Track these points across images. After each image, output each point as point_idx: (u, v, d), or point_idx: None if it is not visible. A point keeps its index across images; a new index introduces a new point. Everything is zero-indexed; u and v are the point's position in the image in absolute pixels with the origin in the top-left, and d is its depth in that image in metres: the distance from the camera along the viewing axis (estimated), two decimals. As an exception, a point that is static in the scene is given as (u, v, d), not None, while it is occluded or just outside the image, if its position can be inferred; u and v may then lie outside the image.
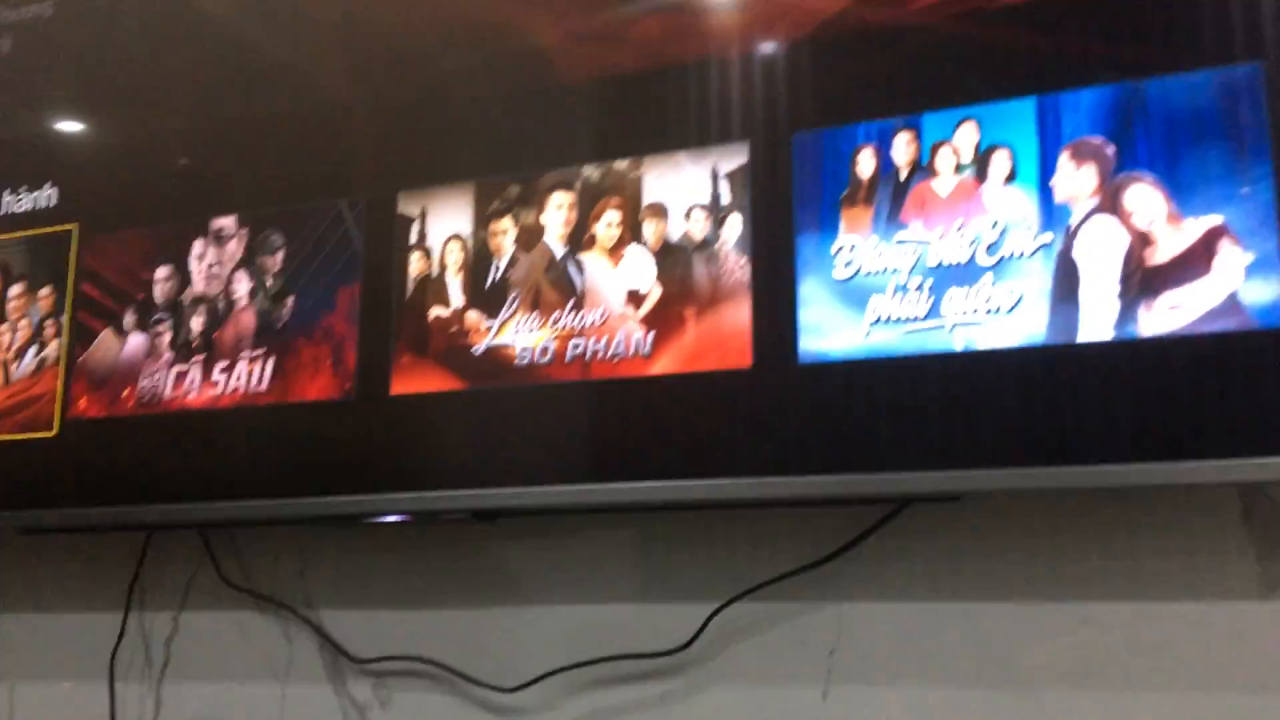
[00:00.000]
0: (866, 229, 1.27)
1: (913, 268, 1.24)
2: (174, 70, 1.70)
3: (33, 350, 1.69)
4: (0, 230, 1.76)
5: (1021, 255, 1.20)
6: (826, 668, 1.36)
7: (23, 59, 1.82)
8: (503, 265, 1.45)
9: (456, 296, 1.46)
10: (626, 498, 1.35)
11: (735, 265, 1.32)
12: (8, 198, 1.77)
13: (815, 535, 1.37)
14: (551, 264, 1.43)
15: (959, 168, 1.24)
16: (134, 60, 1.74)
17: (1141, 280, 1.15)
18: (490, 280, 1.45)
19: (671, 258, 1.36)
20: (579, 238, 1.42)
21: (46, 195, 1.74)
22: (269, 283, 1.57)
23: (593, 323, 1.38)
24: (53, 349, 1.67)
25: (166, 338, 1.61)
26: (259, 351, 1.55)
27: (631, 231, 1.39)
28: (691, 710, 1.42)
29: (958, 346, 1.21)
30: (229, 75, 1.66)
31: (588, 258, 1.41)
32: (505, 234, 1.46)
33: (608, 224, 1.40)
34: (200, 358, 1.58)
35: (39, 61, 1.81)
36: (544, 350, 1.40)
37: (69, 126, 1.78)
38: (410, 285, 1.49)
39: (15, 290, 1.72)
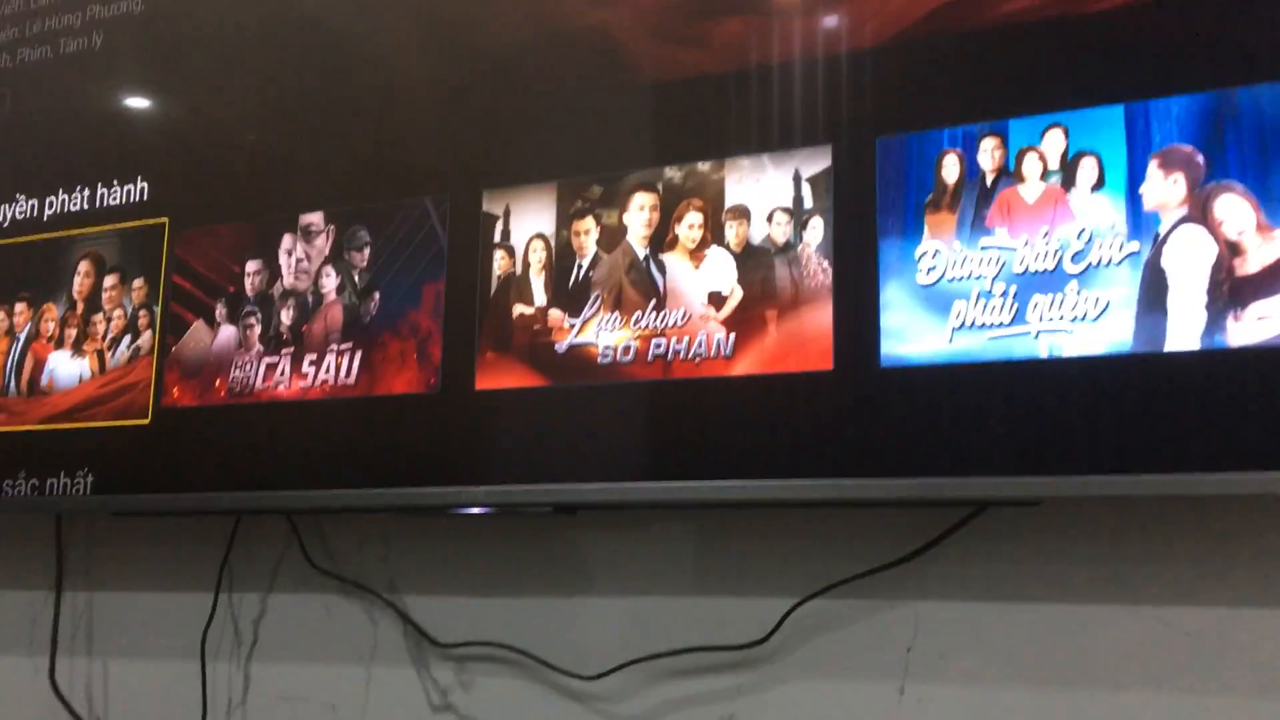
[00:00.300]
0: (950, 234, 1.28)
1: (997, 274, 1.25)
2: (262, 66, 1.74)
3: (127, 339, 1.74)
4: (94, 222, 1.81)
5: (1109, 263, 1.20)
6: (904, 665, 1.38)
7: (114, 54, 1.87)
8: (585, 265, 1.48)
9: (539, 295, 1.49)
10: (706, 495, 1.38)
11: (817, 268, 1.34)
12: (101, 190, 1.82)
13: (894, 535, 1.39)
14: (634, 264, 1.45)
15: (1046, 174, 1.25)
16: (222, 56, 1.78)
17: (1231, 290, 1.15)
18: (573, 279, 1.48)
19: (753, 260, 1.38)
20: (661, 238, 1.44)
21: (139, 189, 1.79)
22: (356, 278, 1.61)
23: (674, 323, 1.41)
24: (146, 339, 1.73)
25: (256, 330, 1.66)
26: (346, 345, 1.59)
27: (713, 233, 1.41)
28: (768, 703, 1.45)
29: (1043, 353, 1.22)
30: (317, 72, 1.70)
31: (670, 258, 1.43)
32: (588, 234, 1.48)
33: (690, 225, 1.42)
34: (289, 350, 1.63)
35: (130, 56, 1.86)
36: (626, 349, 1.43)
37: (159, 121, 1.82)
38: (494, 283, 1.52)
39: (110, 281, 1.78)
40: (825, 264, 1.34)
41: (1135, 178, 1.21)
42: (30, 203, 1.88)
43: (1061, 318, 1.21)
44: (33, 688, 1.88)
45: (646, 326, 1.42)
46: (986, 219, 1.27)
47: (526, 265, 1.51)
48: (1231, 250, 1.16)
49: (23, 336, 1.82)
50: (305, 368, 1.61)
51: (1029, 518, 1.33)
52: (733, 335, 1.37)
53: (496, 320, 1.51)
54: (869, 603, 1.40)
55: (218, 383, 1.67)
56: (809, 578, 1.42)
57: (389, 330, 1.58)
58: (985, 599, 1.36)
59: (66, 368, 1.78)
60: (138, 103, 1.85)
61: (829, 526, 1.44)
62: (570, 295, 1.48)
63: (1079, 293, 1.21)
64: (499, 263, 1.52)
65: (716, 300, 1.39)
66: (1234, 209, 1.17)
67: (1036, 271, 1.23)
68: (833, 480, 1.30)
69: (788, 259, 1.36)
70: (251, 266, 1.68)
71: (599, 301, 1.46)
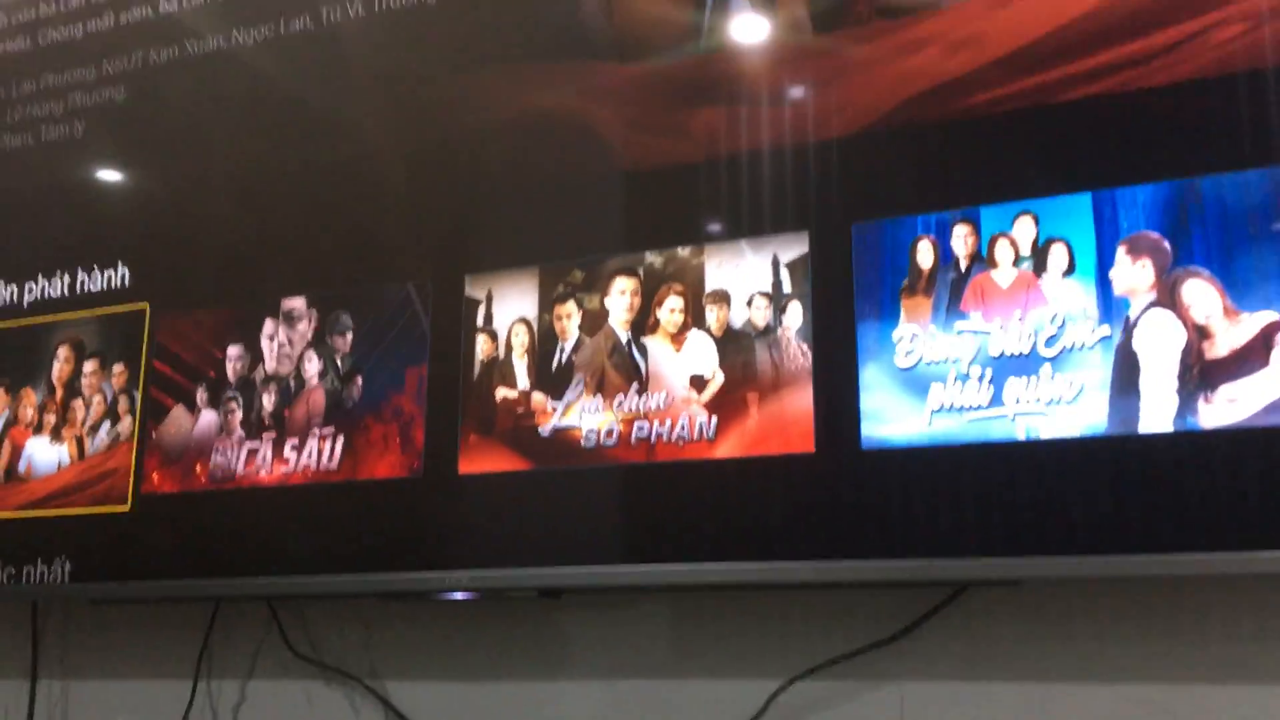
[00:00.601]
0: (926, 318, 1.31)
1: (974, 357, 1.28)
2: (243, 152, 1.76)
3: (106, 425, 1.74)
4: (74, 308, 1.82)
5: (1082, 347, 1.23)
6: (890, 746, 1.39)
7: (95, 140, 1.89)
8: (567, 348, 1.49)
9: (522, 378, 1.51)
10: (690, 578, 1.38)
11: (797, 352, 1.36)
12: (81, 276, 1.83)
13: (876, 615, 1.39)
14: (615, 348, 1.47)
15: (1018, 260, 1.28)
16: (203, 141, 1.80)
17: (1201, 373, 1.18)
18: (555, 363, 1.49)
19: (734, 344, 1.40)
20: (643, 322, 1.46)
21: (120, 274, 1.80)
22: (339, 362, 1.62)
23: (657, 406, 1.42)
24: (126, 425, 1.72)
25: (238, 415, 1.66)
26: (329, 430, 1.60)
27: (694, 317, 1.43)
28: (755, 786, 1.44)
29: (1020, 435, 1.24)
30: (298, 157, 1.72)
31: (651, 342, 1.45)
32: (570, 317, 1.50)
33: (671, 309, 1.45)
34: (271, 435, 1.63)
35: (111, 143, 1.88)
36: (609, 432, 1.44)
37: (140, 207, 1.84)
38: (477, 366, 1.53)
39: (89, 366, 1.77)
40: (805, 347, 1.36)
41: (1105, 263, 1.24)
42: (9, 288, 1.88)
43: (1037, 400, 1.24)
44: (5, 781, 1.85)
45: (629, 410, 1.44)
46: (961, 303, 1.30)
47: (509, 349, 1.52)
48: (1200, 334, 1.19)
49: (0, 423, 1.81)
50: (287, 452, 1.61)
51: (1009, 597, 1.34)
52: (715, 418, 1.39)
53: (479, 404, 1.52)
54: (853, 684, 1.41)
55: (198, 468, 1.66)
56: (793, 659, 1.43)
57: (372, 414, 1.58)
58: (969, 678, 1.36)
59: (45, 454, 1.77)
60: (118, 188, 1.86)
61: (813, 608, 1.44)
62: (553, 378, 1.49)
63: (1053, 375, 1.24)
64: (482, 347, 1.54)
65: (698, 383, 1.41)
66: (1201, 294, 1.20)
67: (1012, 355, 1.26)
68: (816, 562, 1.31)
69: (768, 342, 1.38)
70: (233, 351, 1.69)
71: (582, 385, 1.47)
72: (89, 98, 1.89)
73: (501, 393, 1.51)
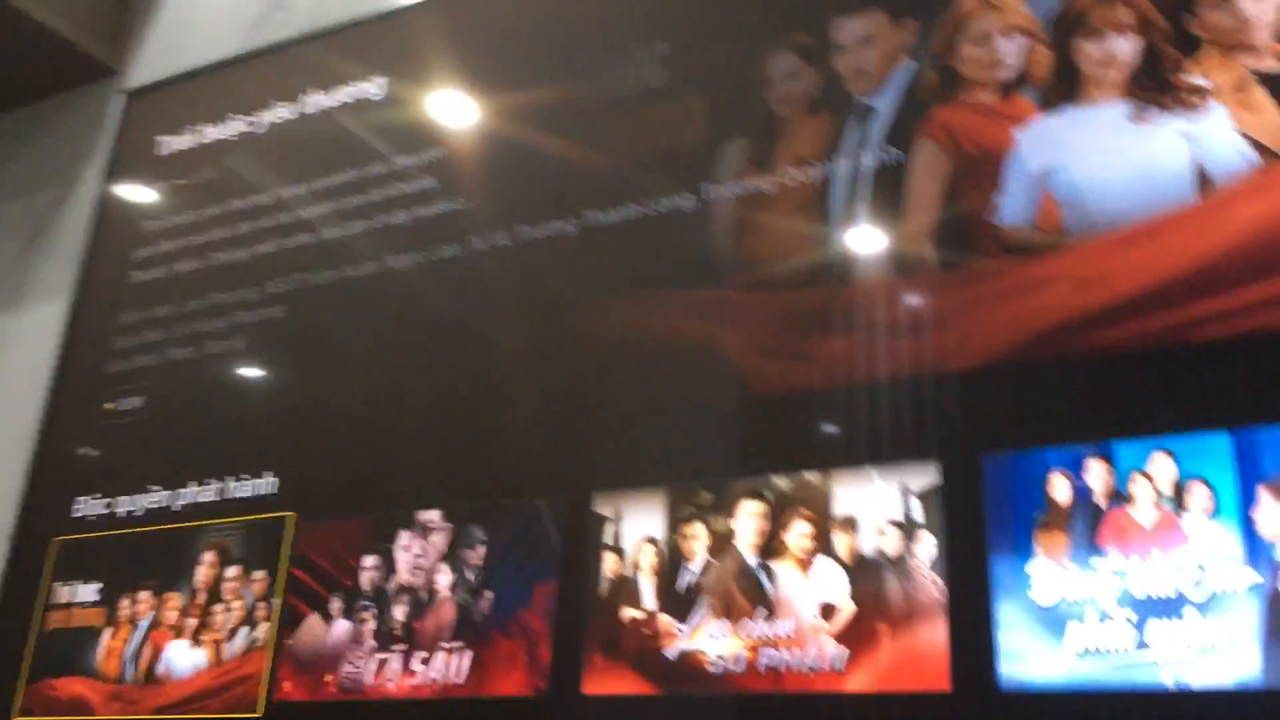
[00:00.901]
0: (1064, 554, 1.28)
1: (1116, 598, 1.24)
2: (388, 369, 1.87)
3: (244, 631, 1.79)
4: (223, 514, 1.90)
5: (1230, 593, 1.19)
6: None
7: (254, 355, 2.02)
8: (695, 570, 1.50)
9: (649, 598, 1.51)
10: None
11: (930, 584, 1.35)
12: (230, 482, 1.92)
13: None
14: (743, 571, 1.47)
15: (1159, 498, 1.26)
16: (352, 358, 1.91)
17: (1361, 624, 1.13)
18: (682, 584, 1.50)
19: (864, 572, 1.39)
20: (770, 547, 1.46)
21: (267, 483, 1.88)
22: (470, 576, 1.65)
23: (785, 633, 1.41)
24: (263, 631, 1.78)
25: (370, 625, 1.69)
26: (457, 644, 1.62)
27: (822, 543, 1.43)
28: None
29: (1168, 684, 1.19)
30: (439, 374, 1.81)
31: (779, 567, 1.45)
32: (697, 539, 1.51)
33: (799, 534, 1.45)
34: (402, 646, 1.66)
35: (268, 358, 2.01)
36: (736, 659, 1.43)
37: (290, 418, 1.94)
38: (604, 585, 1.55)
39: (232, 572, 1.84)
40: (938, 580, 1.34)
41: (1248, 505, 1.21)
42: (164, 492, 1.98)
43: (1185, 647, 1.20)
44: None
45: (757, 635, 1.43)
46: (1099, 539, 1.27)
47: (636, 568, 1.54)
48: (1357, 581, 1.15)
49: (144, 625, 1.88)
50: (416, 665, 1.64)
51: None
52: (845, 649, 1.37)
53: (605, 623, 1.53)
54: None
55: (329, 678, 1.69)
56: None
57: (500, 629, 1.60)
58: None
59: (184, 657, 1.83)
60: (272, 401, 1.97)
61: None
62: (679, 600, 1.49)
63: (1201, 620, 1.20)
64: (609, 565, 1.56)
65: (827, 611, 1.40)
66: (1355, 539, 1.16)
67: (1156, 597, 1.23)
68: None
69: (899, 573, 1.37)
70: (368, 562, 1.74)
71: (708, 608, 1.47)
72: (251, 315, 2.04)
73: (628, 613, 1.52)
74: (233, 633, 1.80)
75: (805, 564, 1.44)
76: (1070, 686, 1.24)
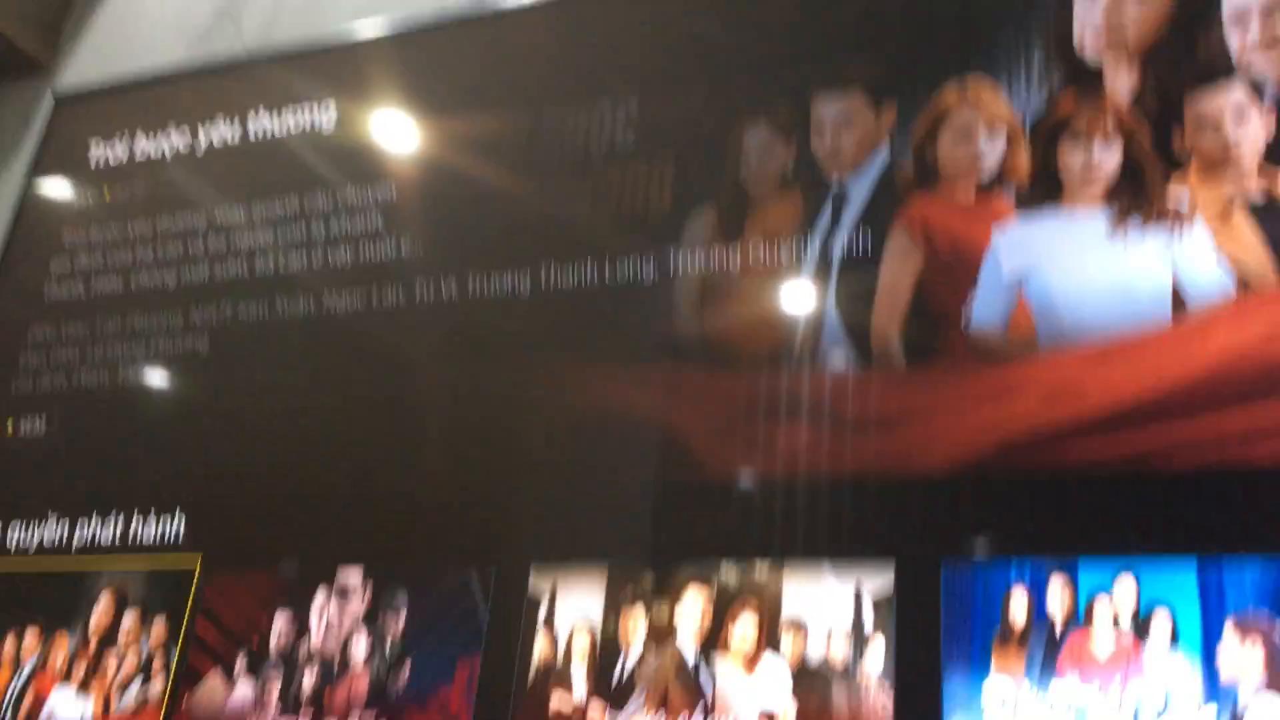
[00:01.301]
0: (1019, 673, 1.24)
1: (1071, 725, 1.20)
2: (316, 419, 1.76)
3: (137, 683, 1.67)
4: (125, 552, 1.78)
5: (1188, 730, 1.16)
6: None
7: (172, 389, 1.90)
8: (631, 660, 1.43)
9: (580, 687, 1.44)
10: None
11: (878, 698, 1.29)
12: (136, 522, 1.79)
13: None
14: (682, 667, 1.40)
15: (1117, 622, 1.22)
16: (278, 404, 1.80)
17: (1320, 774, 1.10)
18: (617, 675, 1.43)
19: (809, 679, 1.33)
20: (713, 640, 1.40)
21: (175, 526, 1.76)
22: (388, 646, 1.55)
23: (723, 735, 1.35)
24: (157, 686, 1.65)
25: (275, 690, 1.59)
26: (370, 717, 1.52)
27: (769, 640, 1.37)
28: None
29: (1120, 820, 1.15)
30: (372, 430, 1.72)
31: (721, 663, 1.38)
32: (636, 625, 1.44)
33: (745, 628, 1.39)
34: (307, 716, 1.55)
35: (187, 393, 1.89)
36: (669, 758, 1.36)
37: (205, 459, 1.82)
38: (534, 667, 1.47)
39: (129, 619, 1.72)
40: (886, 692, 1.29)
41: (1211, 638, 1.18)
42: (60, 525, 1.85)
43: (1140, 782, 1.16)
44: None
45: (692, 735, 1.36)
46: (1057, 664, 1.23)
47: (569, 652, 1.46)
48: (1317, 728, 1.12)
49: (28, 668, 1.74)
50: (323, 738, 1.53)
51: None
52: (785, 757, 1.31)
53: (533, 710, 1.44)
54: None
55: (226, 743, 1.58)
56: None
57: (417, 706, 1.51)
58: None
59: (68, 708, 1.69)
60: (187, 438, 1.85)
61: None
62: (613, 691, 1.42)
63: (1158, 757, 1.16)
64: (540, 646, 1.47)
65: (769, 718, 1.33)
66: (1317, 684, 1.14)
67: (1112, 728, 1.19)
68: None
69: (846, 685, 1.31)
70: (280, 620, 1.63)
71: (642, 702, 1.40)
72: (173, 344, 1.92)
73: (556, 699, 1.44)
74: (125, 686, 1.67)
75: (750, 662, 1.37)
76: None
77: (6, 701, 1.73)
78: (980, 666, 1.26)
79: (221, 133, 2.12)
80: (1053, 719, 1.21)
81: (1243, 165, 1.34)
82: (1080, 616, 1.24)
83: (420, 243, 1.82)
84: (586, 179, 1.75)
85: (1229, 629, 1.18)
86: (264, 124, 2.09)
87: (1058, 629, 1.25)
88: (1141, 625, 1.22)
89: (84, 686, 1.70)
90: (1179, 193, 1.37)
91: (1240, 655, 1.17)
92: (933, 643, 1.29)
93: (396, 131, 1.96)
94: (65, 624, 1.76)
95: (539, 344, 1.68)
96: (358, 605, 1.60)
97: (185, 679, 1.64)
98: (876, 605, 1.33)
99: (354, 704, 1.54)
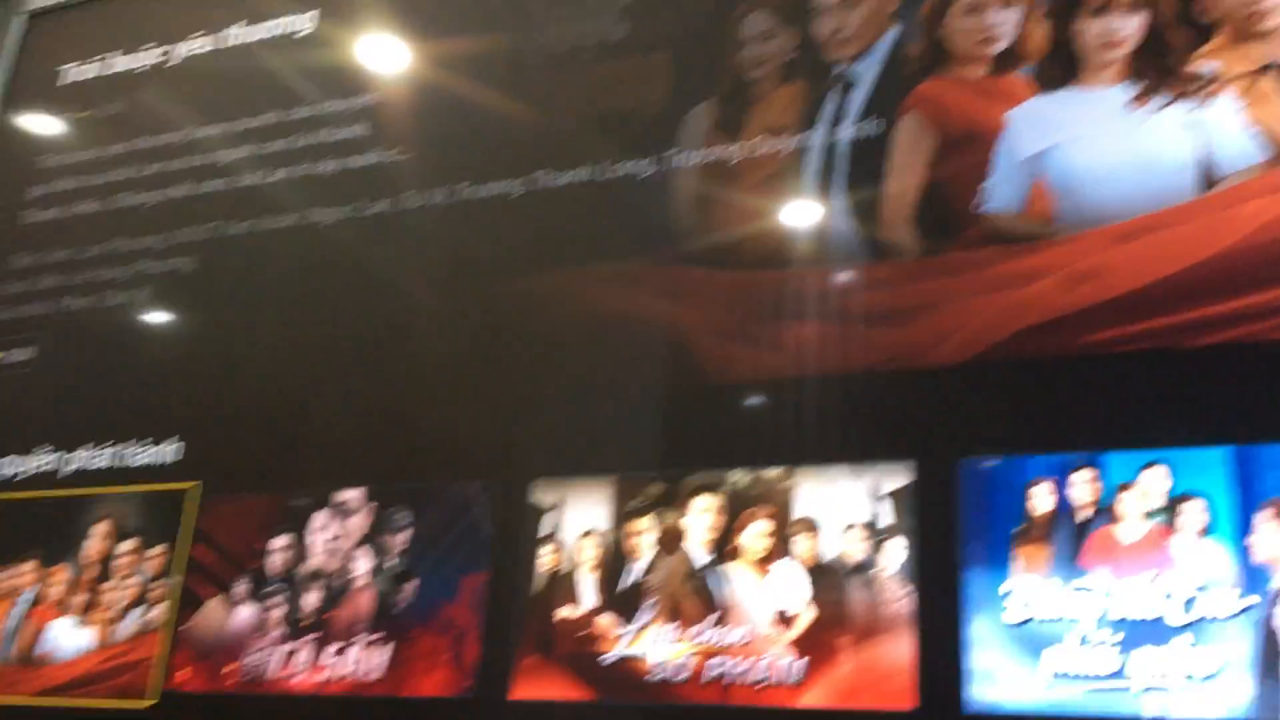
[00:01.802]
0: (1043, 570, 1.19)
1: (1097, 619, 1.16)
2: (312, 334, 1.70)
3: (137, 611, 1.63)
4: (119, 482, 1.73)
5: (1222, 617, 1.11)
6: None
7: (160, 310, 1.84)
8: (639, 568, 1.38)
9: (589, 596, 1.39)
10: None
11: (896, 595, 1.25)
12: (131, 448, 1.75)
13: None
14: (693, 572, 1.36)
15: (1148, 514, 1.17)
16: (272, 320, 1.74)
17: (1360, 660, 1.06)
18: (625, 582, 1.38)
19: (825, 581, 1.29)
20: (724, 546, 1.35)
21: (170, 450, 1.72)
22: (391, 563, 1.51)
23: (737, 641, 1.30)
24: (157, 612, 1.62)
25: (277, 612, 1.55)
26: (375, 636, 1.48)
27: (781, 545, 1.32)
28: None
29: (1147, 713, 1.11)
30: (369, 342, 1.66)
31: (733, 569, 1.34)
32: (644, 534, 1.39)
33: (756, 534, 1.34)
34: (312, 637, 1.51)
35: (176, 314, 1.84)
36: (680, 667, 1.31)
37: (199, 381, 1.76)
38: (540, 580, 1.42)
39: (126, 546, 1.68)
40: (905, 590, 1.24)
41: (1242, 525, 1.13)
42: (53, 455, 1.80)
43: (1168, 674, 1.11)
44: None
45: (705, 642, 1.32)
46: (1082, 557, 1.18)
47: (576, 563, 1.42)
48: (1357, 613, 1.07)
49: (26, 599, 1.71)
50: (327, 658, 1.49)
51: None
52: (803, 661, 1.26)
53: (540, 621, 1.40)
54: None
55: (230, 668, 1.54)
56: None
57: (421, 623, 1.47)
58: None
59: (69, 637, 1.66)
60: (179, 361, 1.80)
61: None
62: (622, 600, 1.38)
63: (1189, 647, 1.11)
64: (546, 558, 1.43)
65: (785, 619, 1.29)
66: (1356, 568, 1.09)
67: (1140, 620, 1.14)
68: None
69: (863, 581, 1.27)
70: (279, 542, 1.58)
71: (653, 610, 1.36)
72: (159, 265, 1.85)
73: (564, 611, 1.40)
74: (124, 613, 1.64)
75: (762, 567, 1.33)
76: (1044, 712, 1.15)
77: (7, 634, 1.70)
78: (1002, 564, 1.21)
79: (200, 47, 2.03)
80: (1078, 613, 1.16)
81: (1272, 28, 1.26)
82: (1106, 509, 1.19)
83: (405, 150, 1.75)
84: (578, 77, 1.67)
85: (1262, 514, 1.13)
86: (243, 37, 2.00)
87: (1083, 523, 1.20)
88: (1170, 515, 1.16)
89: (83, 616, 1.66)
90: (1205, 62, 1.29)
91: (1273, 540, 1.12)
92: (953, 541, 1.24)
93: (375, 36, 1.87)
94: (63, 555, 1.71)
95: (536, 252, 1.61)
96: (359, 525, 1.55)
97: (185, 605, 1.61)
98: (894, 504, 1.28)
99: (358, 624, 1.50)
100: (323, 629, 1.52)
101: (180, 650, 1.58)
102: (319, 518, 1.58)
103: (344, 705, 1.47)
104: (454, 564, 1.48)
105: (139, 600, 1.64)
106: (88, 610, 1.66)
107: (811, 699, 1.25)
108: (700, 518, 1.37)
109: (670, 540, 1.38)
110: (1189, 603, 1.13)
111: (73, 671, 1.64)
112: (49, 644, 1.67)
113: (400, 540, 1.52)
